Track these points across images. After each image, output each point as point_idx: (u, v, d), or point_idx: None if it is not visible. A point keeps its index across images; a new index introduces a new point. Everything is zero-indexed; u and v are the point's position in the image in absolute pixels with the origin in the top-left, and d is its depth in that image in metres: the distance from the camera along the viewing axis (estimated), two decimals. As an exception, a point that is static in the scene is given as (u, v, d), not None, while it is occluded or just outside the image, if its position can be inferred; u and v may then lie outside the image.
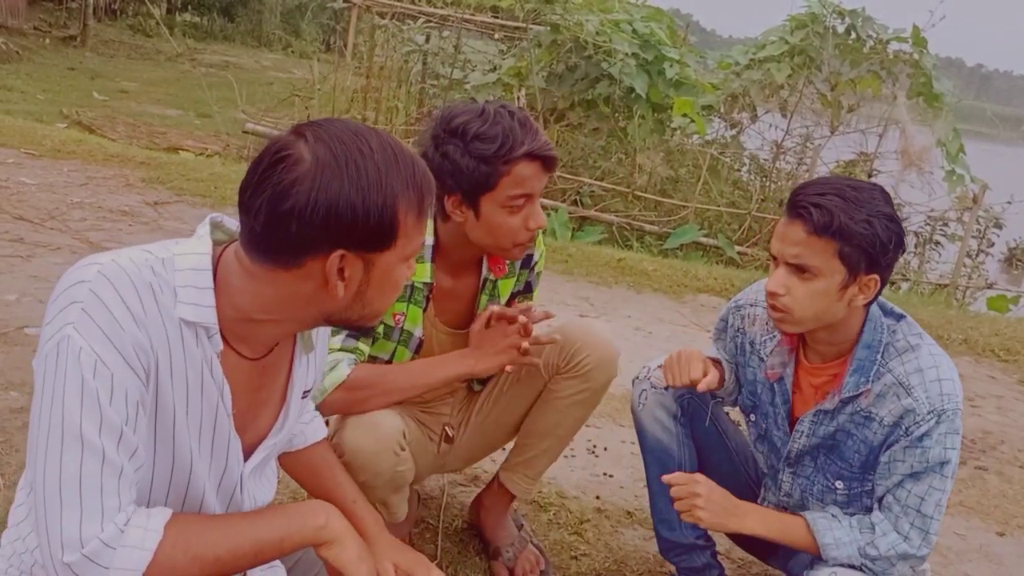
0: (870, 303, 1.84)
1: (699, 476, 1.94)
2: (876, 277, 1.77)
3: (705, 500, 1.89)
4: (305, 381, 1.46)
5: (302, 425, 1.63)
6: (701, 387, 1.96)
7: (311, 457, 1.63)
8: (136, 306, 1.18)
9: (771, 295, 1.82)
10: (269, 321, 1.28)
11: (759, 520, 1.95)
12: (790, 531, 1.95)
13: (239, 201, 1.22)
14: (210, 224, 1.31)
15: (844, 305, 1.79)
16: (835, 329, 1.87)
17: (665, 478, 1.94)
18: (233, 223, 1.30)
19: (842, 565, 1.89)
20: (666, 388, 2.11)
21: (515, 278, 2.22)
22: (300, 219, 1.16)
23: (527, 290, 2.28)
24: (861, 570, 1.87)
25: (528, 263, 2.23)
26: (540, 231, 2.14)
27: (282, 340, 1.37)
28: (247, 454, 1.39)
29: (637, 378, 2.19)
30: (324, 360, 1.53)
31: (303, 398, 1.47)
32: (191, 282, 1.23)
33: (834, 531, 1.89)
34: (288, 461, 1.64)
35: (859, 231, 1.71)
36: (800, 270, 1.77)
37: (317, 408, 1.90)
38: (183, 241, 1.28)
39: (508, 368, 2.06)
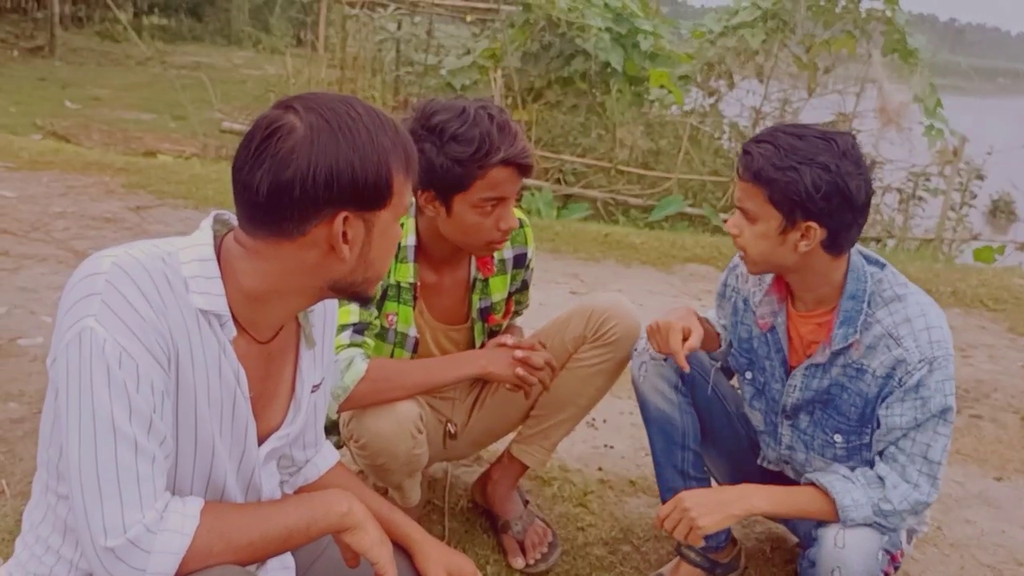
0: (838, 253, 1.84)
1: (680, 494, 1.89)
2: (814, 225, 1.78)
3: (697, 509, 1.84)
4: (312, 376, 1.48)
5: (312, 456, 1.63)
6: (684, 350, 1.96)
7: (332, 482, 1.64)
8: (154, 295, 1.21)
9: (732, 236, 1.91)
10: (275, 298, 1.31)
11: (763, 498, 1.89)
12: (799, 501, 1.91)
13: (234, 179, 1.24)
14: (213, 219, 1.33)
15: (789, 250, 1.82)
16: (805, 276, 1.89)
17: (657, 523, 1.91)
18: (234, 216, 1.32)
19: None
20: (665, 358, 2.11)
21: (508, 277, 2.22)
22: (303, 184, 1.20)
23: (524, 288, 2.30)
24: (870, 527, 1.85)
25: (522, 262, 2.24)
26: (526, 225, 2.18)
27: (287, 322, 1.39)
28: (260, 442, 1.41)
29: (636, 349, 2.19)
30: (331, 357, 1.55)
31: (312, 393, 1.49)
32: (199, 272, 1.26)
33: (852, 493, 1.85)
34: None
35: (781, 179, 1.75)
36: (745, 213, 1.85)
37: (341, 405, 1.94)
38: (184, 237, 1.31)
39: (507, 385, 2.08)
